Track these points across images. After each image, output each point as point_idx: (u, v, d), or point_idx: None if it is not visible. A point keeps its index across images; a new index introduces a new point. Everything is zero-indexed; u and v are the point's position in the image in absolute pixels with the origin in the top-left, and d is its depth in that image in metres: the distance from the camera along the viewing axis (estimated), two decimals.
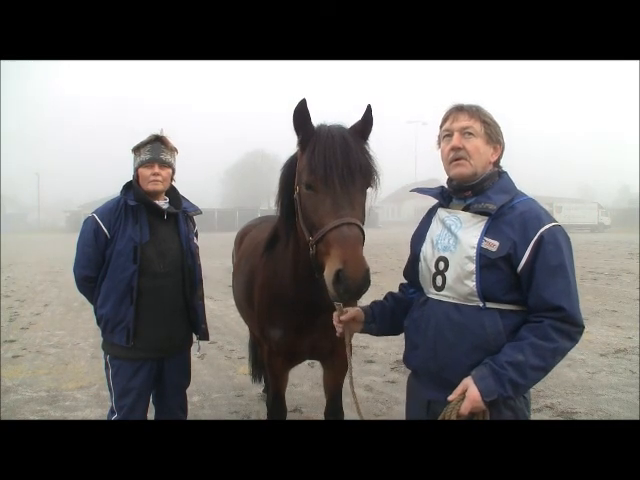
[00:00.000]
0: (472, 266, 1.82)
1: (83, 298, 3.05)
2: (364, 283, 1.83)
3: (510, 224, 1.82)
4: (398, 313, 2.16)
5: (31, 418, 4.31)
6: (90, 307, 3.03)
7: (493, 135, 1.93)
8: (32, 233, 53.05)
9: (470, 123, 1.90)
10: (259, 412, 4.43)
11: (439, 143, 2.01)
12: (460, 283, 1.85)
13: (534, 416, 4.23)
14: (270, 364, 3.01)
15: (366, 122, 2.22)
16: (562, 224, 1.87)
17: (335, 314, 2.10)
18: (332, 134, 2.08)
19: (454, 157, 1.91)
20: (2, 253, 19.27)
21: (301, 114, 2.15)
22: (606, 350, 6.27)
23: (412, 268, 2.12)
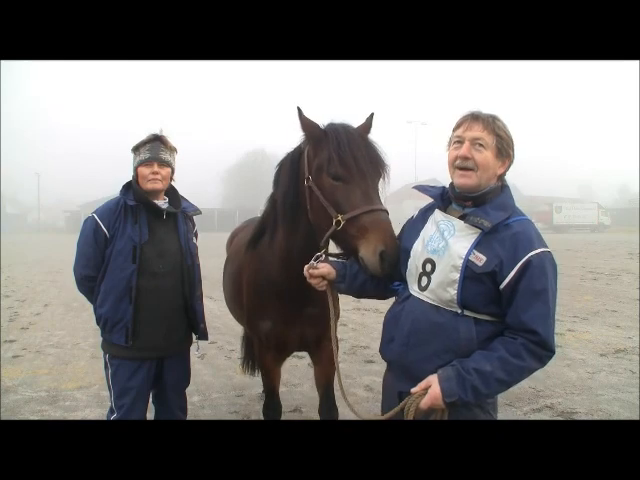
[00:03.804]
0: (456, 275, 1.85)
1: (83, 298, 3.06)
2: (398, 256, 2.10)
3: (502, 242, 1.83)
4: (369, 284, 2.22)
5: (31, 418, 4.30)
6: (90, 307, 3.03)
7: (504, 149, 1.91)
8: (32, 233, 53.13)
9: (483, 135, 1.87)
10: (259, 412, 4.40)
11: (449, 146, 2.00)
12: (442, 289, 1.89)
13: (534, 416, 4.23)
14: (261, 359, 3.08)
15: (367, 126, 2.41)
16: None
17: (306, 267, 2.24)
18: (349, 130, 2.26)
19: (460, 166, 1.90)
20: (2, 253, 19.25)
21: (304, 120, 2.33)
22: (606, 350, 6.26)
23: (401, 260, 2.13)
